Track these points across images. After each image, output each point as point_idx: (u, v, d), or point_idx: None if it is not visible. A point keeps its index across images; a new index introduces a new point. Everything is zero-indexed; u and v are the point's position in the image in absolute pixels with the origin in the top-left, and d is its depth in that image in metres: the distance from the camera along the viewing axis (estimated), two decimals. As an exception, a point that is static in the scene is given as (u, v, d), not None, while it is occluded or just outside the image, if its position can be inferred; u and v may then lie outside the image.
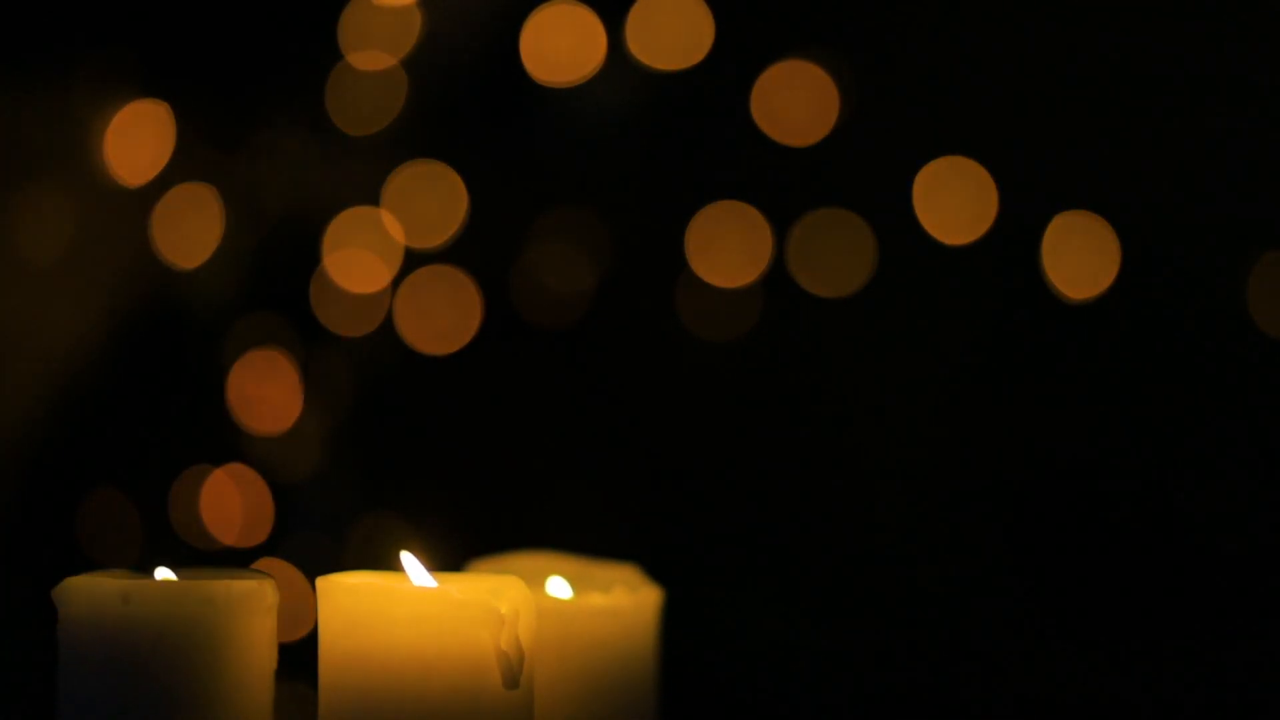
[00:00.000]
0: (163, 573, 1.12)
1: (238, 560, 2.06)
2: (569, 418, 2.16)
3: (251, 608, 1.10)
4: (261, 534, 2.11)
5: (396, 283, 2.13)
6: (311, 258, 2.13)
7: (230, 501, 2.11)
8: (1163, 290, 2.06)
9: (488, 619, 1.05)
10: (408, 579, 1.11)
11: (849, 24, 2.12)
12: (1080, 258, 2.04)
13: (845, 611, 2.11)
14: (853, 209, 2.08)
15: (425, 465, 2.17)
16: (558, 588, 1.25)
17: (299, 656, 1.27)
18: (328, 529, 2.11)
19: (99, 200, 2.13)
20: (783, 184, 2.11)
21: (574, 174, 2.15)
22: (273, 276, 2.14)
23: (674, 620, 1.29)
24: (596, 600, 1.23)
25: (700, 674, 2.05)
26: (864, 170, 2.10)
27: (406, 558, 1.11)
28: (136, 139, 2.13)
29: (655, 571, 1.28)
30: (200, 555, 2.07)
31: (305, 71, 2.14)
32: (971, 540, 2.10)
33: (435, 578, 1.11)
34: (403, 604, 1.06)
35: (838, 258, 2.09)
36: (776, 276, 2.09)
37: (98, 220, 2.14)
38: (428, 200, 2.13)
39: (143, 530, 2.11)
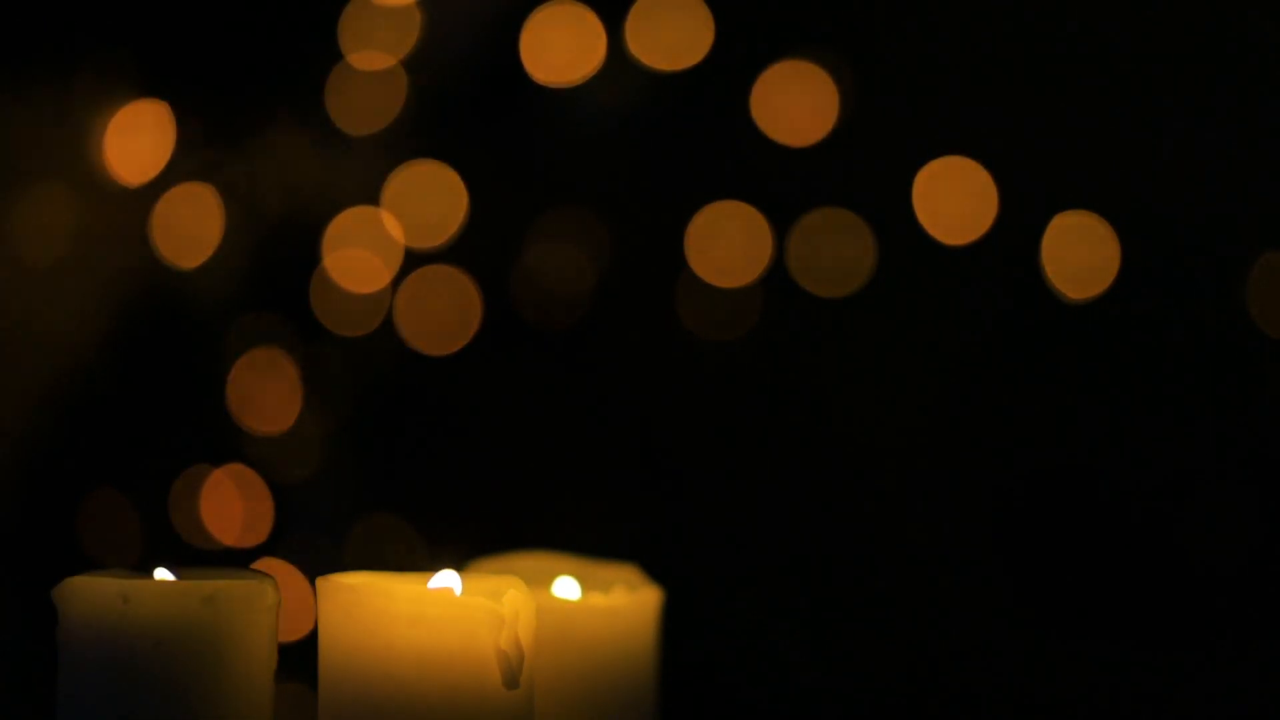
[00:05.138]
0: (162, 573, 1.12)
1: (238, 560, 2.06)
2: (569, 418, 2.16)
3: (251, 608, 1.10)
4: (261, 534, 2.11)
5: (396, 283, 2.13)
6: (311, 258, 2.13)
7: (230, 501, 2.11)
8: (1163, 290, 2.06)
9: (488, 619, 1.05)
10: (409, 580, 1.11)
11: (849, 24, 2.12)
12: (1080, 258, 2.04)
13: (845, 611, 2.11)
14: (853, 209, 2.08)
15: (425, 465, 2.17)
16: (566, 588, 1.25)
17: (299, 656, 1.27)
18: (328, 529, 2.11)
19: (99, 200, 2.13)
20: (783, 184, 2.11)
21: (574, 174, 2.15)
22: (273, 276, 2.14)
23: (674, 620, 1.29)
24: (596, 600, 1.23)
25: (700, 674, 2.05)
26: (864, 170, 2.10)
27: (447, 576, 1.11)
28: (136, 139, 2.13)
29: (655, 571, 1.28)
30: (200, 555, 2.07)
31: (305, 71, 2.14)
32: (971, 540, 2.10)
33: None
34: (403, 604, 1.06)
35: (838, 258, 2.09)
36: (776, 276, 2.09)
37: (98, 220, 2.14)
38: (428, 200, 2.13)
39: (143, 530, 2.11)
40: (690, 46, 2.10)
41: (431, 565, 1.12)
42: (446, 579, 1.11)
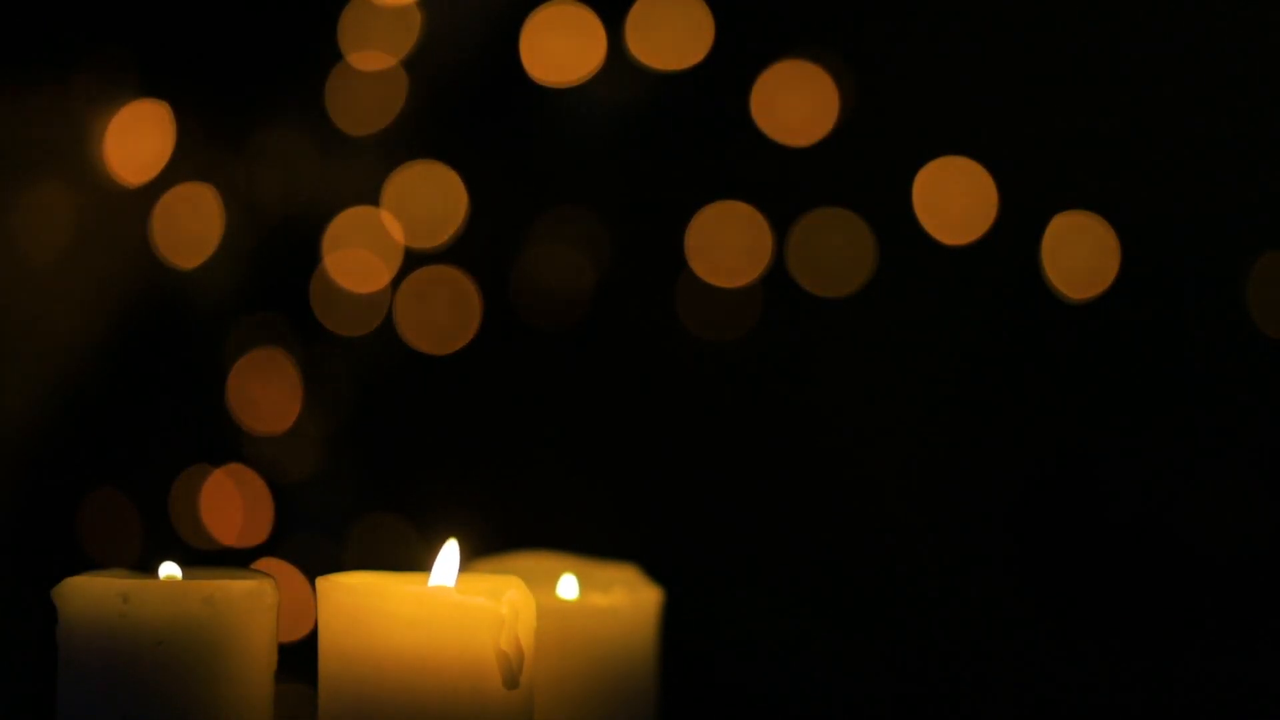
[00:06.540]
0: (168, 568, 1.12)
1: (238, 560, 2.06)
2: (569, 417, 2.16)
3: (251, 608, 1.10)
4: (261, 534, 2.11)
5: (396, 283, 2.13)
6: (311, 258, 2.13)
7: (230, 501, 2.11)
8: (1163, 290, 2.06)
9: (488, 619, 1.05)
10: (426, 569, 1.11)
11: (849, 24, 2.12)
12: (1080, 258, 2.04)
13: (845, 611, 2.11)
14: (853, 209, 2.08)
15: (425, 465, 2.17)
16: (567, 587, 1.25)
17: (299, 656, 1.27)
18: (328, 529, 2.11)
19: (99, 200, 2.13)
20: (783, 184, 2.11)
21: (574, 174, 2.15)
22: (273, 276, 2.14)
23: (674, 620, 1.29)
24: (596, 600, 1.23)
25: (700, 674, 2.05)
26: (864, 170, 2.10)
27: (449, 548, 1.11)
28: (136, 139, 2.13)
29: (655, 571, 1.28)
30: (200, 555, 2.07)
31: (305, 71, 2.14)
32: (971, 540, 2.10)
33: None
34: (402, 604, 1.06)
35: (838, 258, 2.09)
36: (776, 276, 2.09)
37: (98, 220, 2.14)
38: (428, 200, 2.13)
39: (143, 530, 2.11)
40: (690, 46, 2.10)
41: (431, 565, 1.12)
42: (447, 558, 1.11)
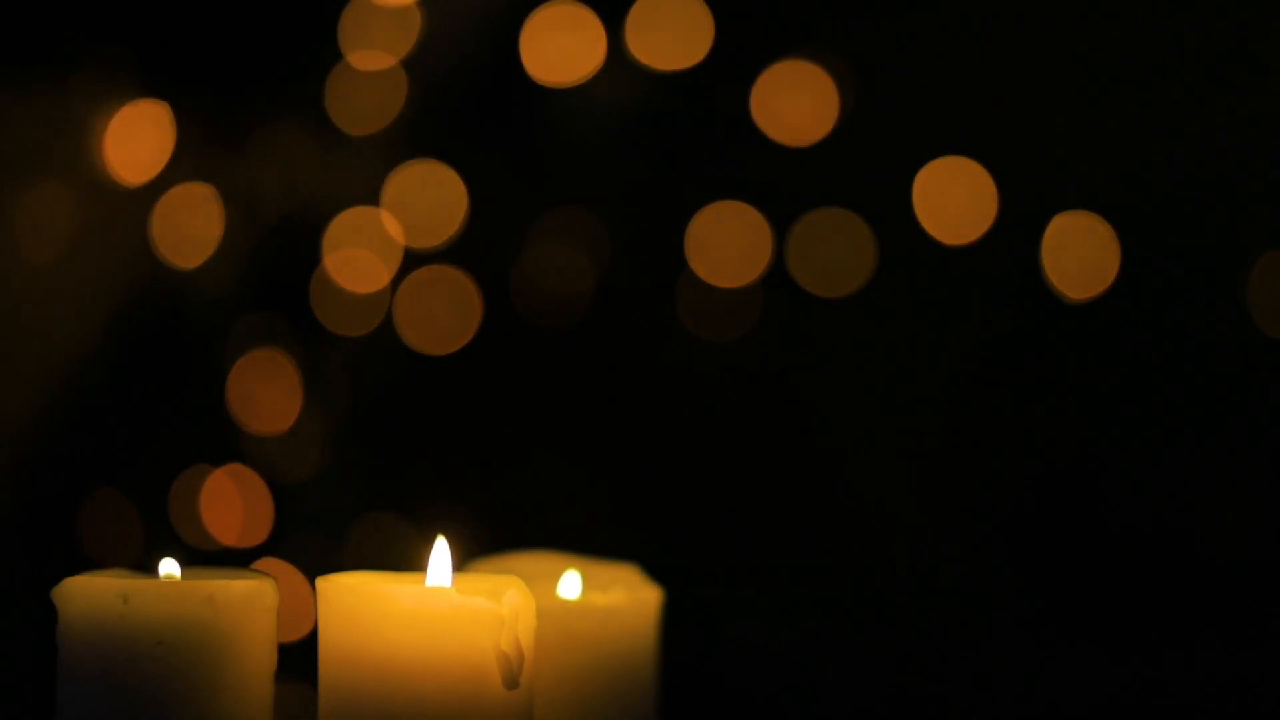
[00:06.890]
0: (168, 564, 1.12)
1: (238, 560, 2.06)
2: (569, 418, 2.16)
3: (251, 608, 1.10)
4: (261, 534, 2.11)
5: (396, 283, 2.13)
6: (311, 258, 2.13)
7: (230, 501, 2.11)
8: (1163, 290, 2.06)
9: (488, 619, 1.05)
10: (422, 571, 1.11)
11: (849, 24, 2.12)
12: (1080, 258, 2.04)
13: (845, 612, 2.11)
14: (853, 209, 2.08)
15: (425, 465, 2.17)
16: (569, 585, 1.25)
17: (299, 656, 1.27)
18: (328, 529, 2.11)
19: (99, 200, 2.13)
20: (783, 184, 2.11)
21: (574, 174, 2.15)
22: (273, 276, 2.14)
23: (674, 620, 1.29)
24: (596, 600, 1.23)
25: (700, 674, 2.05)
26: (864, 170, 2.10)
27: (439, 545, 1.12)
28: (136, 139, 2.13)
29: (655, 571, 1.28)
30: (200, 555, 2.07)
31: (305, 71, 2.14)
32: (971, 540, 2.10)
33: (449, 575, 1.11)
34: (402, 604, 1.06)
35: (838, 258, 2.09)
36: (776, 276, 2.10)
37: (98, 220, 2.14)
38: (428, 200, 2.13)
39: (143, 530, 2.11)
40: (690, 46, 2.10)
41: (425, 565, 1.12)
42: (439, 557, 1.11)
